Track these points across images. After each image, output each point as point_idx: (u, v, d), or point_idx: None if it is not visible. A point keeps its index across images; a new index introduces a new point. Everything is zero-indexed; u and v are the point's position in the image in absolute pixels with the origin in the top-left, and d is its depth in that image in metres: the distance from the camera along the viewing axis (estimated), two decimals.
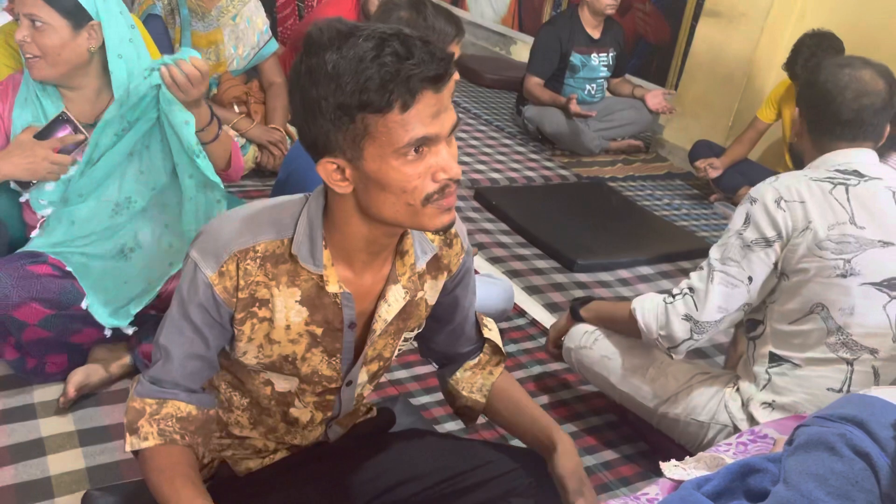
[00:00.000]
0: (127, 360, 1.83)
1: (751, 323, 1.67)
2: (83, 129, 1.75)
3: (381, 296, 1.18)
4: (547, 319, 2.46)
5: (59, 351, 1.76)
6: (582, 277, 2.81)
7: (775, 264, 1.57)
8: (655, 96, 4.31)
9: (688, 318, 1.62)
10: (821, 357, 1.55)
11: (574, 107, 4.02)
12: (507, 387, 1.40)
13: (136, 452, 1.15)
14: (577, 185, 3.78)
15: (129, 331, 1.79)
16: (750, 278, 1.57)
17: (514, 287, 2.46)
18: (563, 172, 3.90)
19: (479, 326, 1.40)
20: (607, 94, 4.43)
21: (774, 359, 1.61)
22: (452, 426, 1.88)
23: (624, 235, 3.20)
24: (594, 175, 3.96)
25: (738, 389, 1.69)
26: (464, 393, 1.39)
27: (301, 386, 1.22)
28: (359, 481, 1.34)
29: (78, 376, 1.74)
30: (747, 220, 1.59)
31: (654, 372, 1.78)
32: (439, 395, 1.99)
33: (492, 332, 1.41)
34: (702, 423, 1.71)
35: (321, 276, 1.11)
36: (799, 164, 1.74)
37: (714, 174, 3.69)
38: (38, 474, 1.55)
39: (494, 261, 2.82)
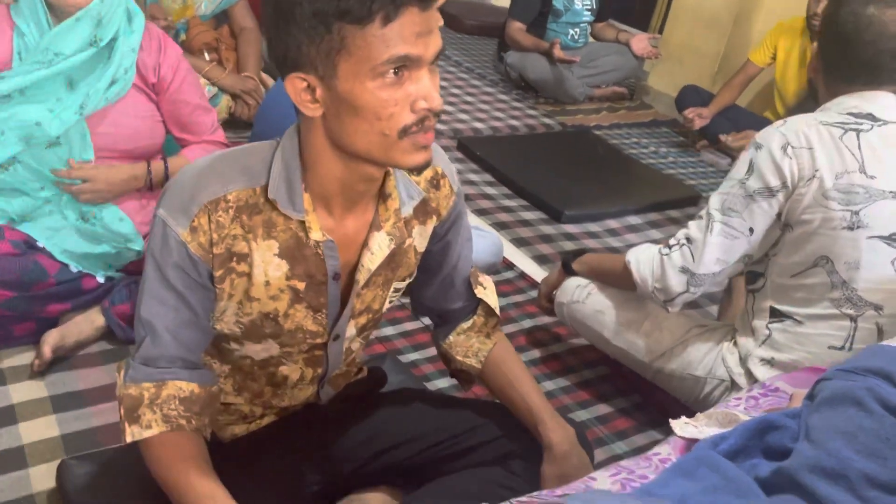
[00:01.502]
0: (101, 321, 1.74)
1: (751, 275, 1.60)
2: None
3: (365, 244, 1.10)
4: (536, 272, 2.39)
5: (26, 321, 1.67)
6: (570, 228, 2.75)
7: (779, 215, 1.48)
8: (640, 41, 4.20)
9: (684, 270, 1.55)
10: (823, 313, 1.49)
11: (558, 52, 3.90)
12: (503, 356, 1.32)
13: (137, 444, 1.05)
14: (562, 133, 3.69)
15: (101, 278, 1.73)
16: (751, 229, 1.50)
17: (502, 240, 2.38)
18: (548, 121, 3.81)
19: (471, 284, 1.32)
20: (590, 39, 4.31)
21: (775, 314, 1.54)
22: (443, 383, 1.82)
23: (611, 185, 3.14)
24: (579, 123, 3.87)
25: (735, 343, 1.64)
26: (458, 357, 1.32)
27: (284, 349, 1.14)
28: (349, 445, 1.29)
29: (53, 337, 1.64)
30: (751, 168, 1.49)
31: (648, 326, 1.73)
32: (428, 352, 1.93)
33: (486, 291, 1.33)
34: (698, 378, 1.66)
35: (301, 224, 1.03)
36: (815, 98, 1.61)
37: (701, 124, 3.61)
38: (11, 443, 1.47)
39: (480, 213, 2.74)
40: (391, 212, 1.10)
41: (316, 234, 1.04)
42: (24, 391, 1.59)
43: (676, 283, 1.56)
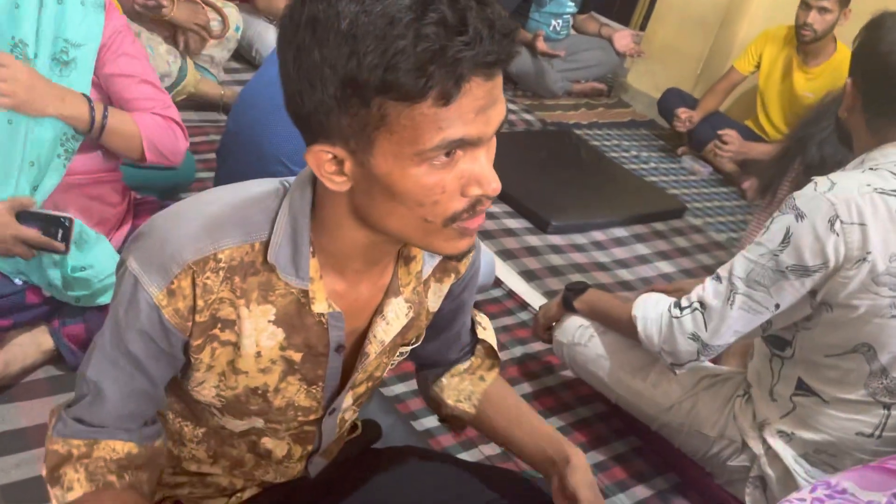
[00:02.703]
0: (49, 344, 1.53)
1: (777, 340, 1.44)
2: (65, 248, 1.44)
3: (378, 310, 0.93)
4: (524, 291, 2.25)
5: None
6: (556, 240, 2.61)
7: (812, 291, 1.31)
8: (624, 37, 4.07)
9: (695, 337, 1.40)
10: (856, 400, 1.35)
11: (541, 45, 3.74)
12: (502, 393, 1.17)
13: None
14: (544, 133, 3.54)
15: (18, 281, 1.50)
16: (777, 305, 1.33)
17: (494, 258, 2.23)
18: (528, 117, 3.65)
19: (474, 328, 1.17)
20: (572, 31, 4.16)
21: (802, 387, 1.40)
22: (431, 422, 1.68)
23: (596, 193, 3.01)
24: (558, 120, 3.73)
25: (747, 399, 1.52)
26: (450, 402, 1.16)
27: (270, 425, 0.97)
28: None
29: None
30: (787, 240, 1.28)
31: (655, 377, 1.60)
32: (414, 384, 1.77)
33: (486, 331, 1.18)
34: (707, 437, 1.54)
35: (304, 291, 0.86)
36: (846, 141, 1.44)
37: (688, 128, 3.50)
38: None
39: None
40: (412, 275, 0.93)
41: (320, 307, 0.86)
42: None
43: (685, 350, 1.42)
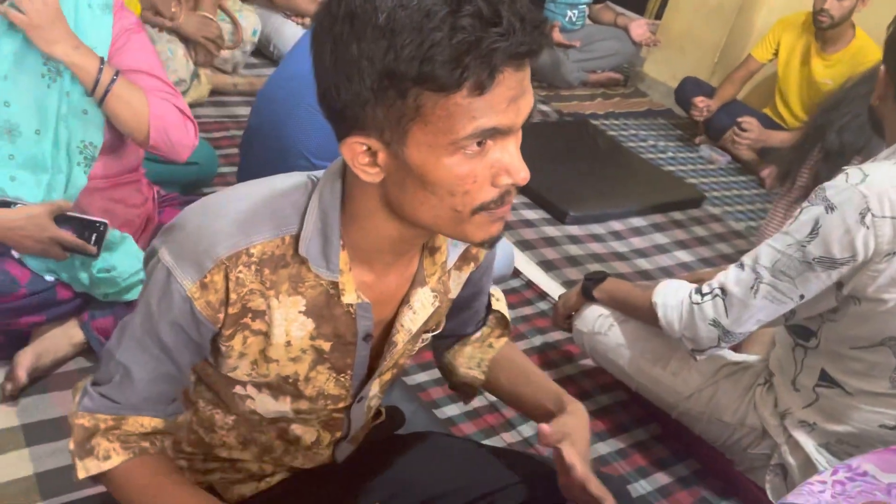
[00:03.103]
0: (79, 336, 1.56)
1: (801, 330, 1.44)
2: (96, 252, 1.48)
3: (405, 300, 0.95)
4: (543, 281, 2.26)
5: None
6: (574, 230, 2.62)
7: (838, 283, 1.31)
8: (640, 26, 4.05)
9: (716, 324, 1.40)
10: (880, 392, 1.35)
11: (557, 36, 3.74)
12: (510, 356, 1.20)
13: (95, 478, 0.93)
14: (560, 124, 3.54)
15: (50, 278, 1.51)
16: (802, 296, 1.33)
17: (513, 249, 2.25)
18: (544, 108, 3.65)
19: (488, 300, 1.19)
20: (588, 21, 4.15)
21: (826, 378, 1.40)
22: (453, 410, 1.70)
23: (614, 183, 3.01)
24: (574, 111, 3.72)
25: (768, 388, 1.52)
26: (461, 370, 1.19)
27: (300, 415, 1.00)
28: None
29: (27, 357, 1.46)
30: (815, 231, 1.27)
31: (675, 365, 1.60)
32: (436, 373, 1.79)
33: (499, 302, 1.21)
34: (727, 424, 1.55)
35: (333, 283, 0.88)
36: (878, 130, 1.40)
37: (705, 116, 3.48)
38: None
39: None
40: (438, 265, 0.96)
41: (350, 298, 0.89)
42: None
43: (706, 336, 1.42)
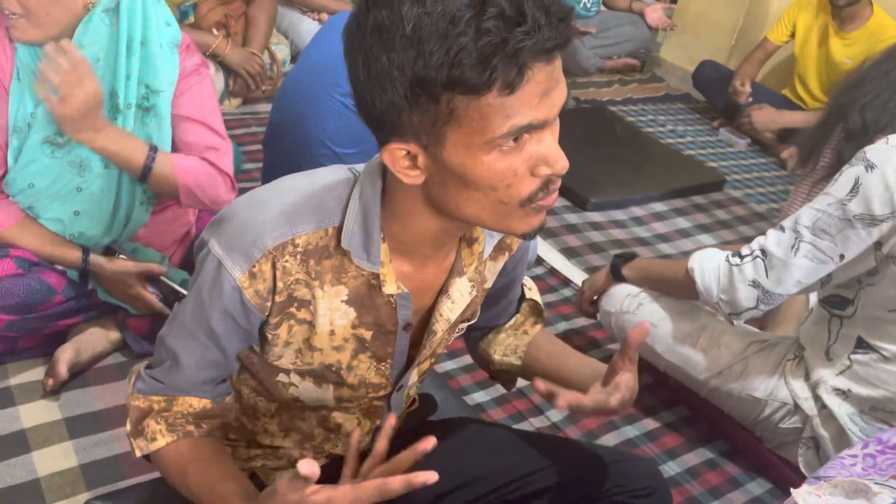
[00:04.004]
0: (116, 334, 1.60)
1: (838, 300, 1.46)
2: (168, 307, 1.55)
3: (444, 290, 0.98)
4: (566, 268, 2.28)
5: (32, 335, 1.53)
6: (595, 217, 2.63)
7: (877, 243, 1.33)
8: (655, 10, 4.04)
9: (755, 284, 1.42)
10: None
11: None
12: (545, 339, 1.20)
13: (147, 457, 0.97)
14: (578, 111, 3.54)
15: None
16: (842, 256, 1.35)
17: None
18: None
19: (522, 289, 1.20)
20: (602, 7, 4.14)
21: (862, 345, 1.42)
22: (482, 397, 1.72)
23: (633, 168, 3.01)
24: (592, 98, 3.72)
25: (798, 362, 1.53)
26: (496, 357, 1.21)
27: (342, 403, 1.03)
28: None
29: (67, 353, 1.51)
30: (855, 189, 1.30)
31: (705, 342, 1.62)
32: (463, 360, 1.82)
33: (532, 290, 1.22)
34: (758, 400, 1.56)
35: (375, 274, 0.90)
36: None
37: (748, 98, 3.42)
38: (25, 476, 1.34)
39: None
40: (475, 256, 0.98)
41: (390, 288, 0.91)
42: (35, 413, 1.46)
43: (746, 297, 1.44)
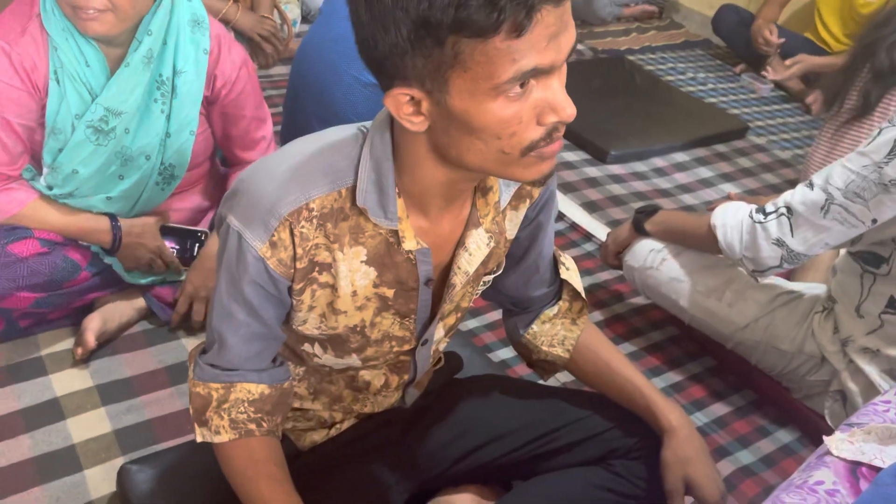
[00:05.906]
0: (142, 303, 1.62)
1: (873, 257, 1.40)
2: (182, 270, 1.60)
3: (461, 242, 0.96)
4: (586, 222, 2.26)
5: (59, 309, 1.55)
6: (616, 169, 2.59)
7: None
8: None
9: (779, 243, 1.37)
10: None
11: None
12: (596, 342, 1.19)
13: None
14: (596, 61, 3.48)
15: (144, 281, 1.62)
16: (874, 220, 1.29)
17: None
18: (578, 46, 3.57)
19: (556, 266, 1.18)
20: None
21: (895, 304, 1.37)
22: (506, 353, 1.72)
23: (654, 118, 2.96)
24: (610, 48, 3.65)
25: (826, 315, 1.50)
26: (543, 347, 1.19)
27: (368, 362, 1.04)
28: (435, 447, 1.18)
29: (95, 322, 1.52)
30: (893, 152, 1.22)
31: (730, 296, 1.59)
32: (487, 318, 1.82)
33: (570, 271, 1.19)
34: (784, 353, 1.54)
35: (393, 231, 0.89)
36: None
37: (778, 49, 3.32)
38: (61, 443, 1.37)
39: None
40: (491, 206, 0.96)
41: (410, 244, 0.90)
42: (67, 381, 1.49)
43: (769, 255, 1.40)
